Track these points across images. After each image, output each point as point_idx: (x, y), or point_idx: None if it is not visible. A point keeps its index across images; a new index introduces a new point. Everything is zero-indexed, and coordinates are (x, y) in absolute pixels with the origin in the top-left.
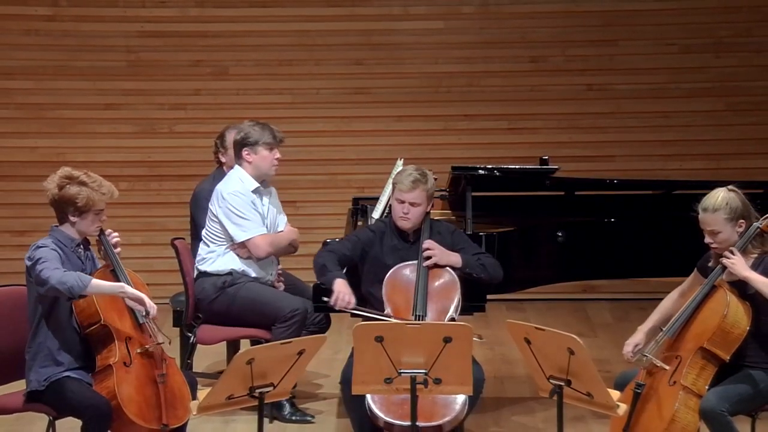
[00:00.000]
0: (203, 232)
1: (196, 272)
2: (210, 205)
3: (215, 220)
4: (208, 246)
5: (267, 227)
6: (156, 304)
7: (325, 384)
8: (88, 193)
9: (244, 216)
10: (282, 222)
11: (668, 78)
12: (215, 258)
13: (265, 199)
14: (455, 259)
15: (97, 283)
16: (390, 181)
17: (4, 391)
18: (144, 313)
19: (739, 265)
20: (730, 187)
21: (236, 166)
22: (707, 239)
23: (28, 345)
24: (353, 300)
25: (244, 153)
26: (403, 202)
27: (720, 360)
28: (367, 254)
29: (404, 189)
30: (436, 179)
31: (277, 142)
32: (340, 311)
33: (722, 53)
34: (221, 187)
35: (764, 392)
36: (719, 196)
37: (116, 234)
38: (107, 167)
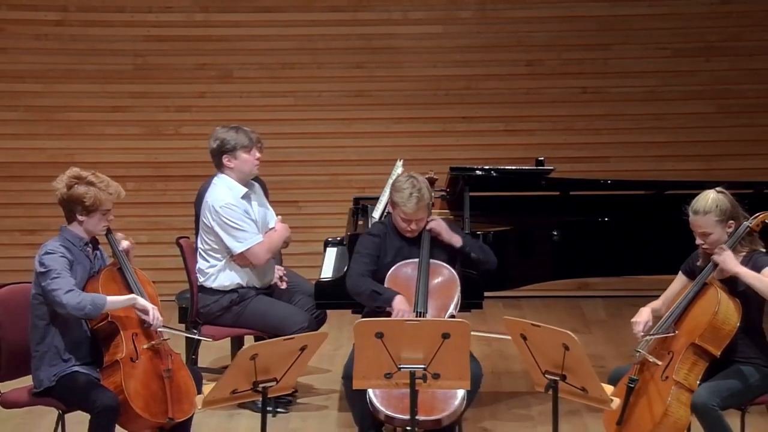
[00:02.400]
0: (199, 245)
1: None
2: (203, 218)
3: (210, 232)
4: (208, 261)
5: (259, 229)
6: (162, 301)
7: (327, 379)
8: (96, 192)
9: (240, 227)
10: (272, 218)
11: (661, 81)
12: (216, 273)
13: (254, 203)
14: (456, 239)
15: (112, 301)
16: (390, 181)
17: (14, 386)
18: (146, 325)
19: (730, 260)
20: (718, 188)
21: (219, 175)
22: (698, 240)
23: (35, 344)
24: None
25: (225, 160)
26: (408, 221)
27: (711, 356)
28: (379, 259)
29: (410, 212)
30: (436, 179)
31: (254, 142)
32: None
33: (713, 57)
34: (211, 200)
35: (754, 387)
36: (709, 198)
37: (126, 241)
38: (114, 168)
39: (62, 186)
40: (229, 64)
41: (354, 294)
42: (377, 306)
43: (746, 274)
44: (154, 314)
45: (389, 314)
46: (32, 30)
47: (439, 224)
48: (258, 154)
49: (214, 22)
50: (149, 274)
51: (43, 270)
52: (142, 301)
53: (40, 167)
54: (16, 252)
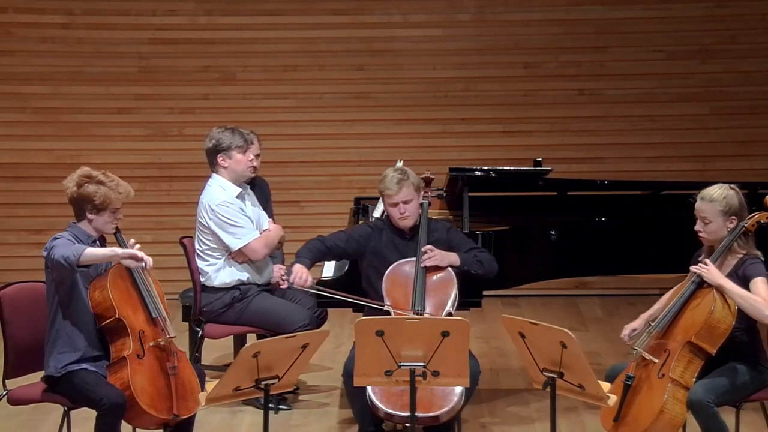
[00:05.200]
0: (197, 246)
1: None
2: (198, 218)
3: (207, 232)
4: (207, 260)
5: (254, 226)
6: (166, 299)
7: (328, 376)
8: (106, 191)
9: (237, 224)
10: (265, 220)
11: (656, 83)
12: (217, 272)
13: (248, 202)
14: (454, 258)
15: (91, 251)
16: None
17: (22, 383)
18: (143, 266)
19: (714, 274)
20: (731, 185)
21: (213, 175)
22: (697, 226)
23: (48, 330)
24: (310, 279)
25: (219, 159)
26: (396, 204)
27: (707, 354)
28: (364, 249)
29: (393, 192)
30: (433, 178)
31: (248, 143)
32: (299, 290)
33: (707, 60)
34: (207, 200)
35: (748, 384)
36: (720, 189)
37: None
38: (120, 169)
39: (72, 185)
40: (232, 66)
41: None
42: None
43: (731, 289)
44: (142, 255)
45: (388, 313)
46: (39, 33)
47: (432, 254)
48: (252, 156)
49: (218, 25)
50: (154, 273)
51: (49, 248)
52: (122, 250)
53: (46, 168)
54: (24, 251)
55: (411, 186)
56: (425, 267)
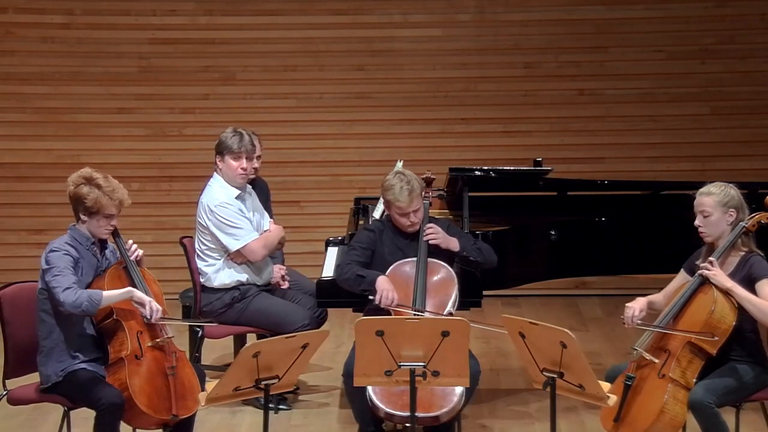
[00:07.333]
0: (196, 246)
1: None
2: (198, 218)
3: (206, 232)
4: (206, 261)
5: (254, 228)
6: (166, 299)
7: (328, 376)
8: (98, 196)
9: (236, 225)
10: (266, 221)
11: (656, 83)
12: (216, 272)
13: (248, 204)
14: (453, 243)
15: (108, 296)
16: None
17: (22, 383)
18: (143, 317)
19: (720, 277)
20: (731, 184)
21: (214, 175)
22: (697, 221)
23: (42, 339)
24: (396, 297)
25: (217, 160)
26: (407, 214)
27: (707, 354)
28: (373, 254)
29: (405, 204)
30: (434, 179)
31: (242, 151)
32: (384, 309)
33: (707, 60)
34: (207, 200)
35: (749, 384)
36: (717, 185)
37: (136, 246)
38: (120, 169)
39: (71, 183)
40: (232, 66)
41: (341, 281)
42: (363, 290)
43: (740, 294)
44: (150, 306)
45: (389, 313)
46: (39, 33)
47: (435, 231)
48: (245, 165)
49: (218, 25)
50: (154, 273)
51: (46, 267)
52: (138, 294)
53: (47, 168)
54: (23, 251)
55: (419, 196)
56: (428, 243)
